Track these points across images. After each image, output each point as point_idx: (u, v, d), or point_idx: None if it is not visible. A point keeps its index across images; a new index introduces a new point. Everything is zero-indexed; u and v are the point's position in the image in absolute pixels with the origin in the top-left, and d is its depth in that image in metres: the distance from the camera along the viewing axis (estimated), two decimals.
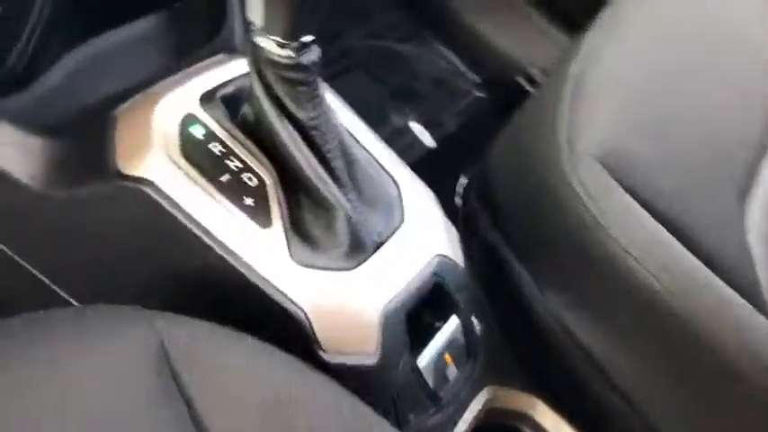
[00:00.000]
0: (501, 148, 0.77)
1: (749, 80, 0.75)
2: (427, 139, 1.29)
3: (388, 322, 0.53)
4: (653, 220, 0.62)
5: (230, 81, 0.58)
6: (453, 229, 0.63)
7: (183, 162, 0.52)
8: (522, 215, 0.70)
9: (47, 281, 0.53)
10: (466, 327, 0.60)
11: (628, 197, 0.62)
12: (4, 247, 0.53)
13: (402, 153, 1.28)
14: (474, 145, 1.03)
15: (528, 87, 1.29)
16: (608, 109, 0.66)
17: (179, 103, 0.55)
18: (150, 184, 0.51)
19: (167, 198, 0.51)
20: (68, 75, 0.66)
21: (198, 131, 0.54)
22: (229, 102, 0.56)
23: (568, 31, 1.20)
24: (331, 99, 0.62)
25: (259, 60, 0.51)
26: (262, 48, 0.50)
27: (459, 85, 1.39)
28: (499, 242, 0.72)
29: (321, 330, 0.51)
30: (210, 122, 0.55)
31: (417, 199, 0.61)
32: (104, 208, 0.52)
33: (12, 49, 0.60)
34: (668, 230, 0.62)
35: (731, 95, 0.73)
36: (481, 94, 1.38)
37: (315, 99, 0.53)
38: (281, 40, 0.49)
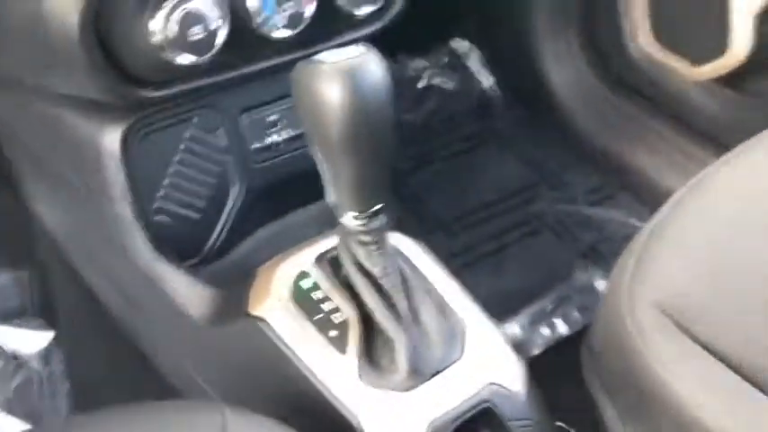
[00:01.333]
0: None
1: None
2: None
3: None
4: (713, 359, 0.64)
5: None
6: (520, 365, 0.71)
7: (290, 305, 0.72)
8: (607, 357, 0.75)
9: (198, 379, 0.75)
10: None
11: (687, 340, 0.66)
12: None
13: (584, 310, 1.33)
14: None
15: None
16: (673, 259, 0.71)
17: (298, 262, 0.75)
18: (265, 321, 0.71)
19: (274, 331, 0.70)
20: (255, 248, 0.92)
21: (306, 283, 0.74)
22: (336, 261, 0.75)
23: None
24: (418, 254, 0.78)
25: (342, 230, 0.70)
26: (341, 221, 0.69)
27: None
28: (594, 381, 0.77)
29: None
30: (318, 276, 0.74)
31: (481, 336, 0.71)
32: (237, 338, 0.74)
33: (212, 232, 0.88)
34: (736, 373, 0.63)
35: None
36: None
37: (383, 254, 0.69)
38: (353, 215, 0.67)
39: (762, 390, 0.63)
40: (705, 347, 0.65)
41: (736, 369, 0.64)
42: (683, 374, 0.63)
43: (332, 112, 0.59)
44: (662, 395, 0.64)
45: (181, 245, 0.86)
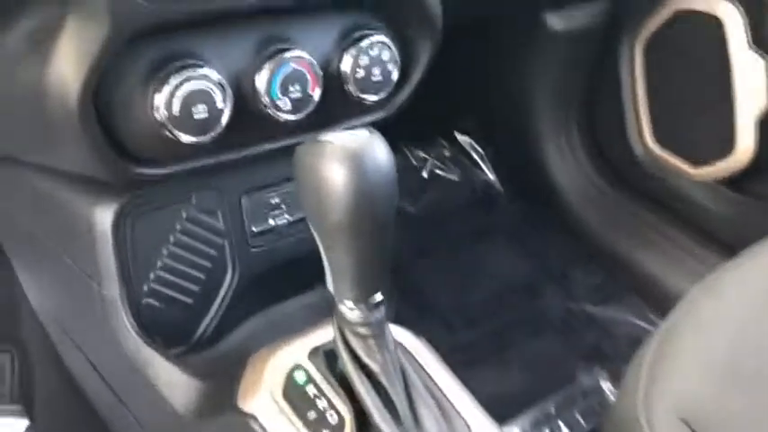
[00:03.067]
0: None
1: None
2: None
3: None
4: None
5: None
6: None
7: (282, 401, 0.67)
8: None
9: None
10: None
11: None
12: None
13: (588, 414, 1.27)
14: None
15: None
16: (689, 364, 0.67)
17: (292, 354, 0.71)
18: (255, 418, 0.66)
19: (264, 430, 0.65)
20: (247, 336, 0.88)
21: (300, 377, 0.69)
22: (332, 354, 0.71)
23: None
24: (419, 349, 0.73)
25: (339, 320, 0.66)
26: (339, 310, 0.65)
27: None
28: None
29: None
30: (312, 370, 0.70)
31: None
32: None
33: (204, 317, 0.84)
34: None
35: None
36: None
37: (383, 349, 0.65)
38: (352, 304, 0.64)
39: None
40: None
41: None
42: None
43: (335, 194, 0.57)
44: None
45: (170, 330, 0.81)
